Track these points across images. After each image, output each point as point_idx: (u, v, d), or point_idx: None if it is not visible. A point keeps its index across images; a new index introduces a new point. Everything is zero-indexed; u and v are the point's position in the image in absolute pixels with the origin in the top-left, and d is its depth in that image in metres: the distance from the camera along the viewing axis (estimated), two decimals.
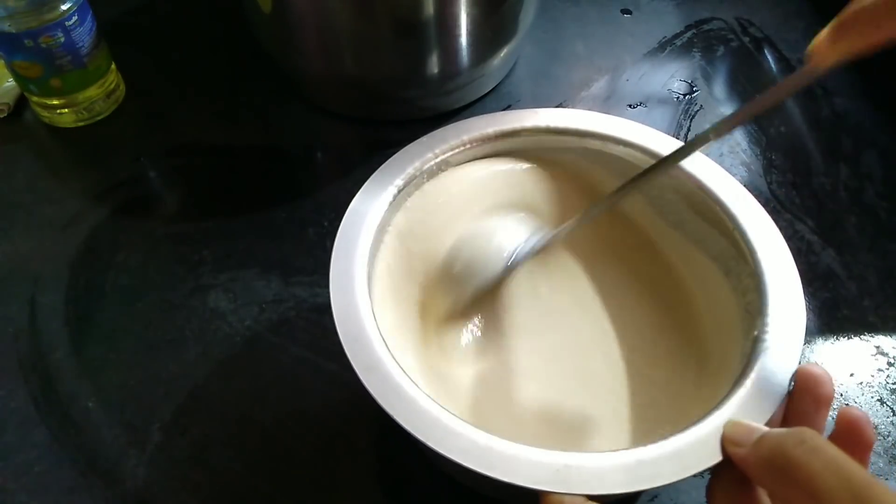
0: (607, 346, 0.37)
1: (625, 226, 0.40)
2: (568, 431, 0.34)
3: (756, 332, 0.30)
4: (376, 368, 0.29)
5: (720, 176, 0.35)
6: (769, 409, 0.27)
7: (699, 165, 0.36)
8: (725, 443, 0.26)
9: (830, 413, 0.27)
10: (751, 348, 0.30)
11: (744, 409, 0.27)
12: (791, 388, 0.28)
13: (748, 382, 0.28)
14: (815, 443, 0.23)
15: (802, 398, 0.27)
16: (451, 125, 0.38)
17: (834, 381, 0.40)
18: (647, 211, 0.39)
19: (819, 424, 0.27)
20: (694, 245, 0.37)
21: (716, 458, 0.26)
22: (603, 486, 0.25)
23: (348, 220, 0.34)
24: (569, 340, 0.37)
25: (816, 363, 0.27)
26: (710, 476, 0.27)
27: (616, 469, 0.26)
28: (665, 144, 0.37)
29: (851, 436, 0.25)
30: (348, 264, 0.32)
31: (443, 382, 0.35)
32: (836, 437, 0.25)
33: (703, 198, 0.35)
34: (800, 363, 0.28)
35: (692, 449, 0.26)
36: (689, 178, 0.36)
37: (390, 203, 0.35)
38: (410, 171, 0.36)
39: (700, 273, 0.37)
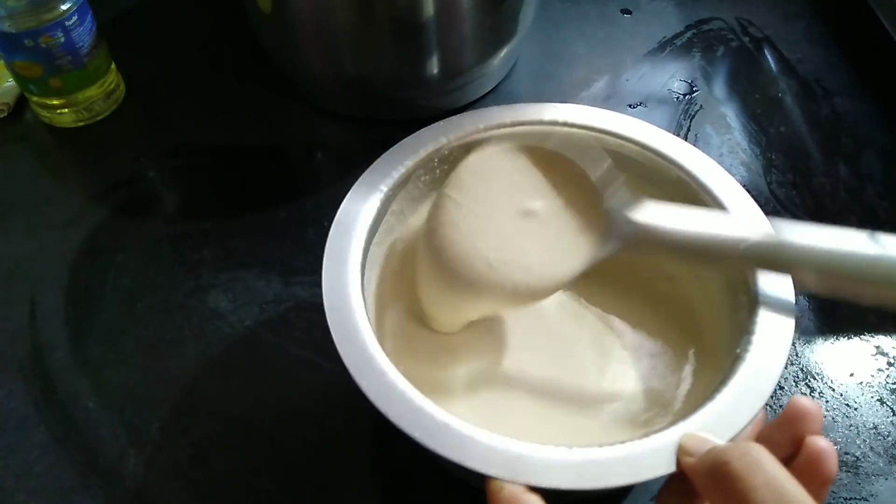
0: (605, 348, 0.37)
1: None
2: (556, 432, 0.34)
3: (738, 350, 0.30)
4: (353, 340, 0.29)
5: (730, 186, 0.35)
6: (735, 427, 0.27)
7: (712, 178, 0.35)
8: (679, 452, 0.26)
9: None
10: (729, 365, 0.29)
11: (708, 424, 0.27)
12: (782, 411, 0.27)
13: (718, 398, 0.28)
14: (758, 458, 0.23)
15: (780, 428, 0.26)
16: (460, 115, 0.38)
17: (834, 381, 0.40)
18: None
19: (783, 456, 0.25)
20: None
21: (669, 468, 0.26)
22: (548, 480, 0.25)
23: (355, 194, 0.34)
24: (567, 346, 0.37)
25: (814, 401, 0.26)
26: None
27: (566, 465, 0.26)
28: (666, 142, 0.37)
29: (812, 466, 0.24)
30: (346, 241, 0.33)
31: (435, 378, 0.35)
32: (797, 465, 0.25)
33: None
34: (789, 371, 0.28)
35: (647, 456, 0.26)
36: (704, 192, 0.35)
37: (397, 181, 0.35)
38: (423, 153, 0.36)
39: (701, 284, 0.36)
